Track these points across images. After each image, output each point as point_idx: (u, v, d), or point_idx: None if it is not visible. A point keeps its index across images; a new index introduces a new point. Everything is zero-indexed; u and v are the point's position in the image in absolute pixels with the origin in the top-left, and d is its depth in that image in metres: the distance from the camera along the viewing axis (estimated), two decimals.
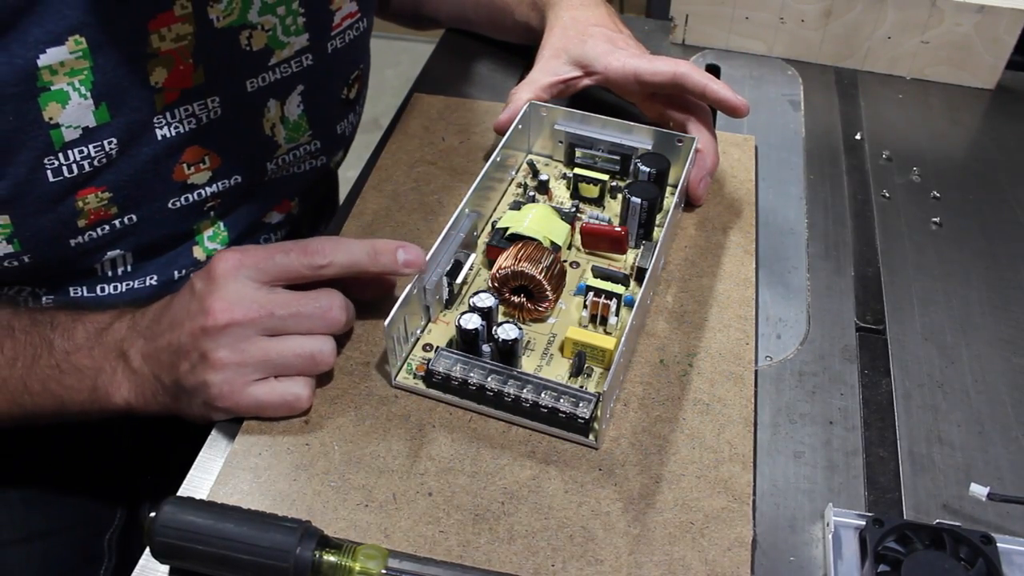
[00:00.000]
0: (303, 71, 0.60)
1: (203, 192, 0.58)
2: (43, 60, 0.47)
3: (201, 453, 0.48)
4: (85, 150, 0.51)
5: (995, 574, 0.41)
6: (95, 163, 0.51)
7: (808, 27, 0.79)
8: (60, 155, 0.50)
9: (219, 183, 0.59)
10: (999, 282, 0.60)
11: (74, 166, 0.51)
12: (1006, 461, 0.49)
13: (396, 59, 2.44)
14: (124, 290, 0.59)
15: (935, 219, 0.65)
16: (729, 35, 0.81)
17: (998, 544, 0.42)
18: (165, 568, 0.43)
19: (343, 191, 0.66)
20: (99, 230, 0.55)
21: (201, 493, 0.46)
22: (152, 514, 0.41)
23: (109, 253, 0.57)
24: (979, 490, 0.45)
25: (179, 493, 0.46)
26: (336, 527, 0.44)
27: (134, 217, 0.55)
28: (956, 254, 0.62)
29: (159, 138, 0.54)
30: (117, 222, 0.55)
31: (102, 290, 0.59)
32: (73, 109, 0.49)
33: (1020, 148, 0.73)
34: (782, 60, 0.81)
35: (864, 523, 0.43)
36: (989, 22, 0.74)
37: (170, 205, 0.57)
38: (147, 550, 0.44)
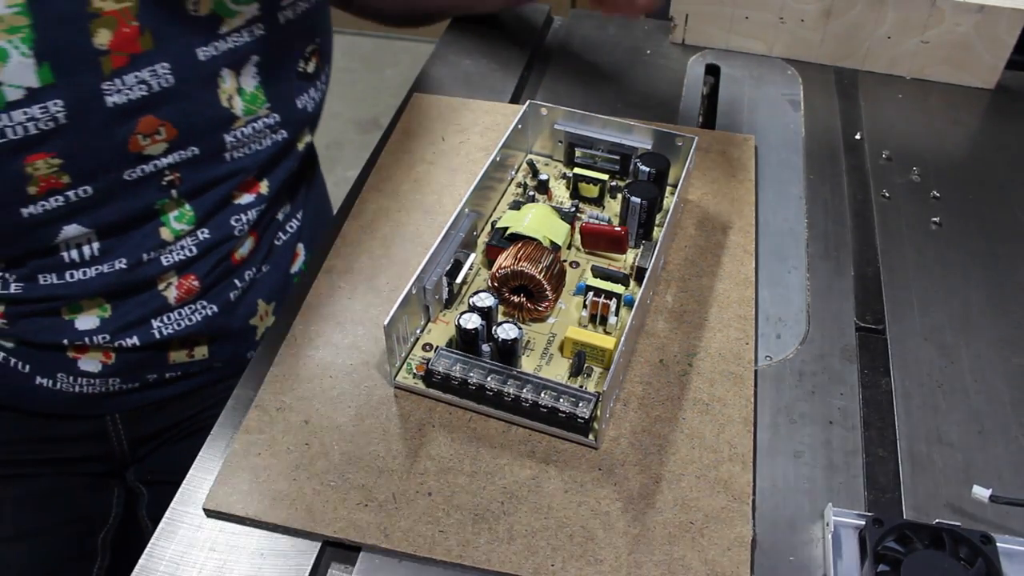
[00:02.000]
0: (255, 41, 0.59)
1: (159, 163, 0.57)
2: None
3: (201, 453, 0.48)
4: (30, 111, 0.50)
5: (995, 574, 0.41)
6: (41, 126, 0.51)
7: (808, 27, 0.79)
8: (4, 115, 0.49)
9: (176, 154, 0.58)
10: (999, 282, 0.60)
11: (19, 128, 0.50)
12: (1006, 461, 0.49)
13: (396, 59, 2.44)
14: (94, 275, 0.59)
15: (935, 219, 0.65)
16: (729, 35, 0.81)
17: (998, 544, 0.42)
18: (164, 568, 0.43)
19: (343, 191, 0.65)
20: (53, 200, 0.54)
21: (201, 493, 0.46)
22: None
23: (66, 228, 0.56)
24: (982, 492, 0.45)
25: (179, 494, 0.46)
26: (336, 527, 0.44)
27: (88, 189, 0.55)
28: (956, 254, 0.62)
29: (109, 105, 0.53)
30: (72, 193, 0.54)
31: (71, 276, 0.58)
32: (14, 67, 0.49)
33: (1020, 148, 0.73)
34: (782, 60, 0.81)
35: (864, 523, 0.43)
36: (989, 22, 0.74)
37: (125, 176, 0.56)
38: (146, 550, 0.44)
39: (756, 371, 0.53)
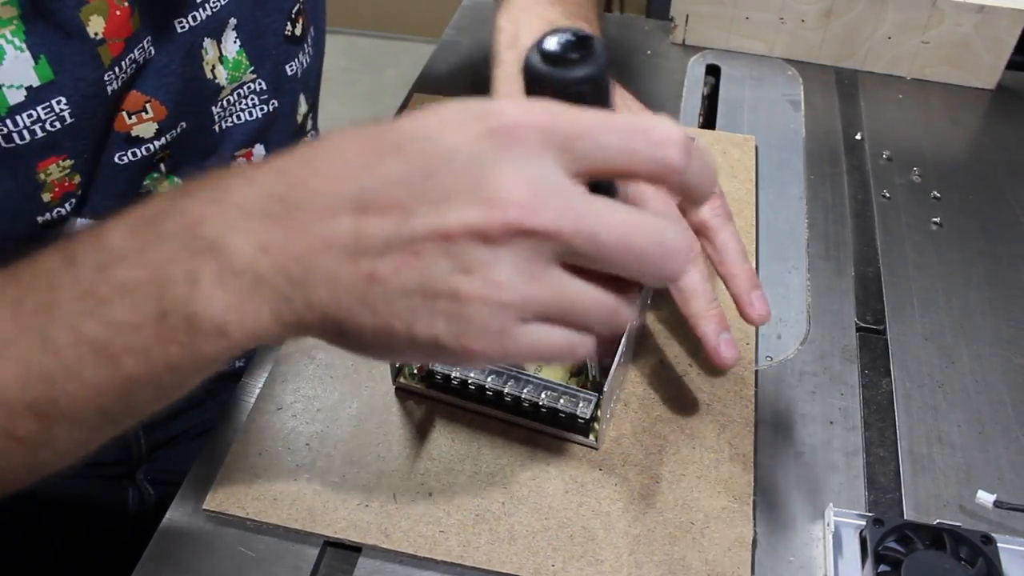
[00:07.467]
0: (232, 4, 0.56)
1: (151, 147, 0.55)
2: None
3: (201, 454, 0.48)
4: (35, 113, 0.47)
5: (995, 574, 0.41)
6: (48, 127, 0.48)
7: (808, 27, 0.79)
8: (9, 121, 0.47)
9: (167, 135, 0.55)
10: (999, 282, 0.60)
11: (26, 132, 0.47)
12: (1006, 461, 0.49)
13: (396, 59, 2.44)
14: None
15: (935, 219, 0.65)
16: (729, 35, 0.81)
17: (998, 544, 0.42)
18: (164, 569, 0.43)
19: None
20: (67, 206, 0.52)
21: (201, 494, 0.46)
22: None
23: (72, 223, 0.54)
24: (986, 497, 0.45)
25: (179, 494, 0.46)
26: (336, 527, 0.44)
27: (91, 182, 0.53)
28: (956, 254, 0.62)
29: (110, 94, 0.50)
30: (82, 193, 0.52)
31: None
32: (11, 64, 0.46)
33: (1020, 148, 0.73)
34: (782, 60, 0.81)
35: (864, 523, 0.43)
36: (989, 22, 0.74)
37: (117, 160, 0.54)
38: (146, 551, 0.44)
39: (756, 371, 0.53)
